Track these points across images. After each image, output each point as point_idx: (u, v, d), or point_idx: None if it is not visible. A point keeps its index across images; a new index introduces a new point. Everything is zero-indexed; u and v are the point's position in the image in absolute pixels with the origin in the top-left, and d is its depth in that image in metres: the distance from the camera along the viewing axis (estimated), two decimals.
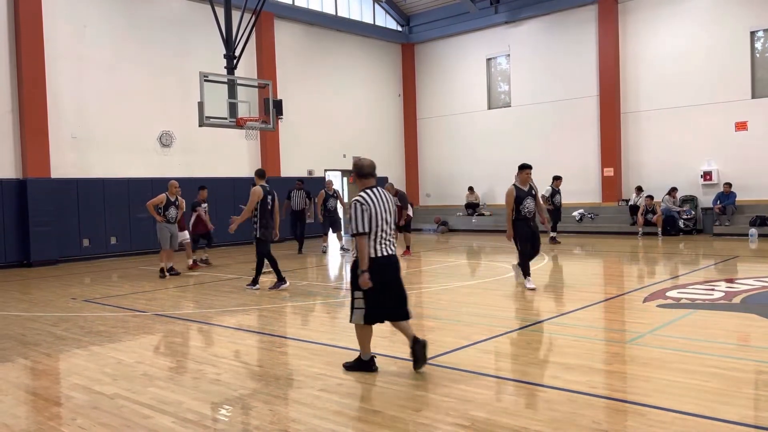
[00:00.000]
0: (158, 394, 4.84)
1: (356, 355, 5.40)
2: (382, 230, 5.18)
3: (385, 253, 5.21)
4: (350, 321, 5.30)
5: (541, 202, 11.00)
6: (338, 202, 15.94)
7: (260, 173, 9.96)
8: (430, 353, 5.29)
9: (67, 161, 15.49)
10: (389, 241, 5.26)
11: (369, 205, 5.12)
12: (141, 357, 6.03)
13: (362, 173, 5.29)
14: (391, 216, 5.28)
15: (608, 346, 6.00)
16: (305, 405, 4.49)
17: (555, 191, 16.64)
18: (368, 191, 5.23)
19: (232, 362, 5.84)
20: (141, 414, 4.42)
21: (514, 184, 9.17)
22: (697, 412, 4.06)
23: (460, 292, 9.26)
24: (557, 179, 16.72)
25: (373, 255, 5.15)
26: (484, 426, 3.95)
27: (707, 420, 3.93)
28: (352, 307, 5.25)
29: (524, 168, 9.46)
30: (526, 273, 9.08)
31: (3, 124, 14.65)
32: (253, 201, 9.58)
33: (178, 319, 7.92)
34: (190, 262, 12.85)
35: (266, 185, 9.83)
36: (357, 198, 5.17)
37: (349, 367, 5.35)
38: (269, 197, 9.77)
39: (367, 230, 5.10)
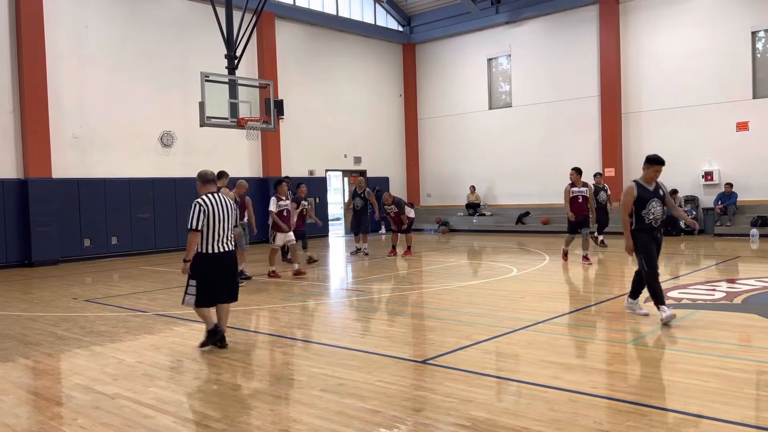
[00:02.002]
0: (159, 394, 4.85)
1: (357, 354, 5.42)
2: (217, 230, 6.06)
3: (219, 250, 6.10)
4: (182, 304, 6.21)
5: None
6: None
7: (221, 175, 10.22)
8: (431, 353, 5.30)
9: (69, 161, 15.50)
10: (226, 239, 6.15)
11: (206, 207, 6.01)
12: (142, 357, 6.03)
13: (205, 180, 6.23)
14: (229, 219, 6.17)
15: (609, 346, 6.00)
16: (306, 405, 4.49)
17: (598, 188, 15.14)
18: (208, 195, 6.12)
19: (233, 362, 5.84)
20: (142, 414, 4.42)
21: (635, 181, 7.04)
22: (699, 413, 4.05)
23: (461, 293, 9.26)
24: (598, 176, 15.37)
25: (209, 251, 6.05)
26: (485, 426, 3.95)
27: (708, 420, 3.93)
28: (185, 293, 6.11)
29: (654, 163, 6.96)
30: (659, 300, 6.69)
31: (4, 124, 14.67)
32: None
33: (179, 319, 7.92)
34: (296, 266, 11.62)
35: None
36: (197, 200, 6.06)
37: (203, 344, 6.21)
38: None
39: (199, 228, 5.97)
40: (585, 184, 12.23)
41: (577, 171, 12.19)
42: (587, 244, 12.22)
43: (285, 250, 12.41)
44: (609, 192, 15.28)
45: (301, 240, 12.87)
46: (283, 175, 17.90)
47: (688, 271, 10.92)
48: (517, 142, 21.70)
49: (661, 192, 6.99)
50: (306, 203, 13.07)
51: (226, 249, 6.15)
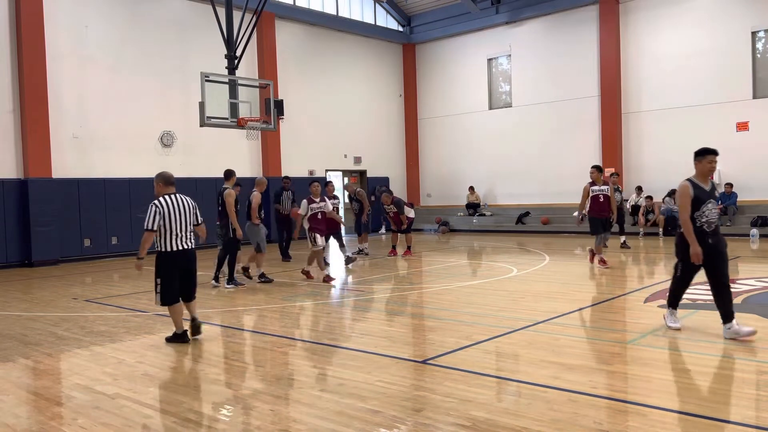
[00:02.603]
0: (159, 394, 4.85)
1: (357, 354, 5.43)
2: (176, 229, 6.36)
3: (179, 248, 6.40)
4: (155, 304, 6.51)
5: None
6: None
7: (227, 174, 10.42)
8: (431, 353, 5.30)
9: (69, 161, 15.51)
10: (186, 237, 6.45)
11: (162, 208, 6.31)
12: (142, 357, 6.03)
13: (166, 182, 6.50)
14: (187, 218, 6.46)
15: (609, 346, 6.00)
16: (306, 405, 4.49)
17: (614, 189, 14.89)
18: (166, 197, 6.40)
19: (232, 362, 5.84)
20: (142, 414, 4.42)
21: (690, 180, 6.25)
22: (699, 413, 4.05)
23: (461, 293, 9.25)
24: (614, 176, 14.75)
25: (169, 249, 6.37)
26: (485, 426, 3.95)
27: (708, 420, 3.93)
28: (155, 292, 6.46)
29: (707, 153, 6.25)
30: (672, 304, 6.44)
31: (4, 124, 14.67)
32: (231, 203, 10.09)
33: None
34: (325, 273, 11.00)
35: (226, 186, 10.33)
36: (154, 202, 6.33)
37: (169, 339, 6.55)
38: (220, 198, 10.35)
39: (154, 229, 6.28)
40: (606, 183, 11.51)
41: (598, 169, 11.54)
42: (601, 247, 11.51)
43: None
44: (623, 194, 14.79)
45: (338, 241, 12.52)
46: (283, 175, 17.88)
47: (605, 260, 11.02)
48: (517, 142, 21.70)
49: (716, 193, 6.31)
50: (337, 201, 12.83)
51: (186, 247, 6.47)
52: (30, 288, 11.36)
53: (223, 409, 4.56)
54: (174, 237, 6.37)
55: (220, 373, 5.40)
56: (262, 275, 10.70)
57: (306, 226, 10.77)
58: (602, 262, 11.27)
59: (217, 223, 10.41)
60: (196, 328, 6.61)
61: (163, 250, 6.39)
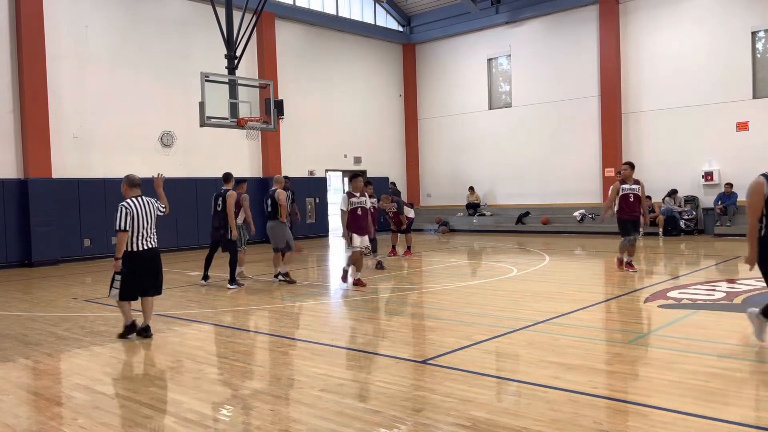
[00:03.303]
0: (159, 394, 4.85)
1: (357, 354, 5.43)
2: (141, 230, 6.64)
3: (142, 248, 6.69)
4: (108, 296, 6.77)
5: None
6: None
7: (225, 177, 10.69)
8: (431, 353, 5.29)
9: (69, 161, 15.51)
10: (150, 237, 6.75)
11: (131, 209, 6.57)
12: (142, 357, 6.03)
13: (132, 184, 6.77)
14: (152, 218, 6.75)
15: (609, 346, 6.00)
16: (306, 405, 4.49)
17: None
18: (134, 199, 6.67)
19: (232, 362, 5.84)
20: (142, 414, 4.42)
21: (765, 175, 5.59)
22: (699, 413, 4.05)
23: (461, 293, 9.25)
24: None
25: (133, 249, 6.62)
26: (485, 426, 3.95)
27: (708, 420, 3.93)
28: (111, 286, 6.67)
29: None
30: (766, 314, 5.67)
31: (4, 124, 14.67)
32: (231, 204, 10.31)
33: (179, 319, 7.92)
34: (357, 275, 10.17)
35: (221, 188, 10.57)
36: (123, 203, 6.59)
37: (121, 335, 6.77)
38: (219, 199, 10.51)
39: (126, 229, 6.53)
40: (637, 182, 10.69)
41: (631, 166, 10.70)
42: (633, 249, 10.76)
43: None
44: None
45: (371, 243, 11.70)
46: (283, 174, 17.83)
47: (688, 271, 10.92)
48: (517, 142, 21.70)
49: None
50: (374, 200, 12.42)
51: (149, 246, 6.76)
52: (30, 288, 11.36)
53: (223, 409, 4.56)
54: (140, 237, 6.66)
55: (220, 373, 5.41)
56: (286, 274, 10.59)
57: (343, 224, 10.03)
58: (622, 264, 10.75)
59: (215, 225, 10.55)
60: (145, 330, 6.82)
61: (129, 249, 6.64)
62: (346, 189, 10.14)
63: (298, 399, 4.66)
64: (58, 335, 7.12)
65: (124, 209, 6.56)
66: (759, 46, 17.45)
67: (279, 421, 4.21)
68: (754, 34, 17.39)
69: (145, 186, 6.97)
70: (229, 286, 10.26)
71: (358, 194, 10.02)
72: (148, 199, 6.81)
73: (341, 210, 9.95)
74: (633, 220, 10.51)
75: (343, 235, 10.07)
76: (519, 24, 21.71)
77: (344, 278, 10.45)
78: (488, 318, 7.34)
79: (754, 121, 17.32)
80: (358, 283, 9.96)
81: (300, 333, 7.13)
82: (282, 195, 10.54)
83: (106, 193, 15.95)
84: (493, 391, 4.75)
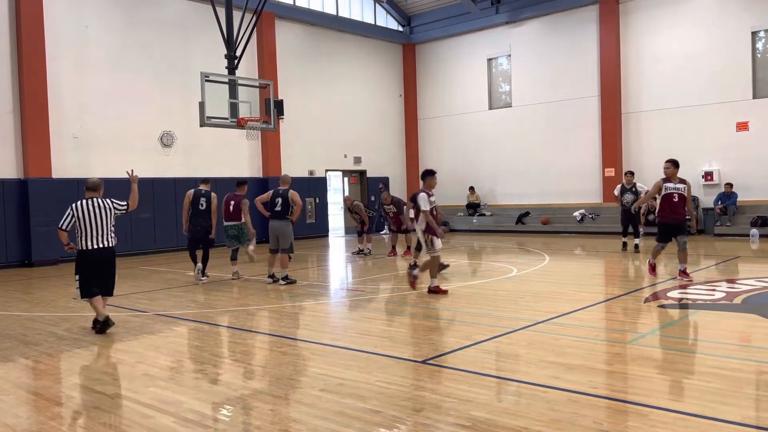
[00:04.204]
0: (159, 394, 4.85)
1: (357, 354, 5.44)
2: (88, 230, 6.97)
3: (93, 247, 7.00)
4: (74, 298, 7.30)
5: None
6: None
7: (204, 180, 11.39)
8: (431, 353, 5.29)
9: (69, 161, 15.51)
10: (101, 237, 7.01)
11: (75, 211, 7.02)
12: (142, 357, 6.03)
13: (86, 188, 7.21)
14: (103, 219, 7.03)
15: (609, 346, 6.00)
16: (306, 405, 4.49)
17: (624, 188, 13.88)
18: (82, 201, 7.07)
19: (232, 362, 5.84)
20: (142, 414, 4.42)
21: None
22: (699, 413, 4.05)
23: (461, 292, 9.25)
24: (629, 174, 14.18)
25: (83, 248, 6.99)
26: (485, 426, 3.95)
27: (708, 420, 3.93)
28: (76, 287, 7.12)
29: None
30: None
31: (4, 124, 14.67)
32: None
33: (179, 319, 7.92)
34: (433, 282, 9.15)
35: (200, 189, 11.11)
36: (72, 204, 7.07)
37: (98, 331, 7.05)
38: (201, 199, 11.03)
39: (64, 228, 7.03)
40: (682, 180, 9.59)
41: (674, 164, 9.58)
42: (685, 255, 9.59)
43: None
44: (640, 194, 13.49)
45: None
46: (282, 173, 17.83)
47: (688, 271, 10.91)
48: (517, 142, 21.70)
49: None
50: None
51: (98, 246, 7.02)
52: (30, 288, 11.36)
53: (223, 409, 4.56)
54: (88, 237, 6.99)
55: (220, 373, 5.40)
56: (286, 276, 10.55)
57: (420, 227, 9.02)
58: (654, 270, 9.94)
59: (196, 224, 10.97)
60: (102, 326, 7.08)
61: (80, 248, 7.03)
62: (420, 186, 9.23)
63: (298, 399, 4.66)
64: (58, 335, 7.12)
65: (68, 210, 7.06)
66: (759, 46, 17.45)
67: (279, 421, 4.21)
68: (754, 34, 17.38)
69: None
70: (201, 278, 11.09)
71: (431, 192, 9.11)
72: (102, 200, 7.13)
73: (423, 210, 8.91)
74: (675, 224, 9.51)
75: (425, 239, 9.06)
76: (519, 24, 21.71)
77: (414, 284, 9.37)
78: (488, 318, 7.34)
79: (754, 121, 17.32)
80: (437, 290, 8.93)
81: (300, 333, 7.13)
82: (297, 196, 10.51)
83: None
84: (493, 391, 4.75)
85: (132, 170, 7.69)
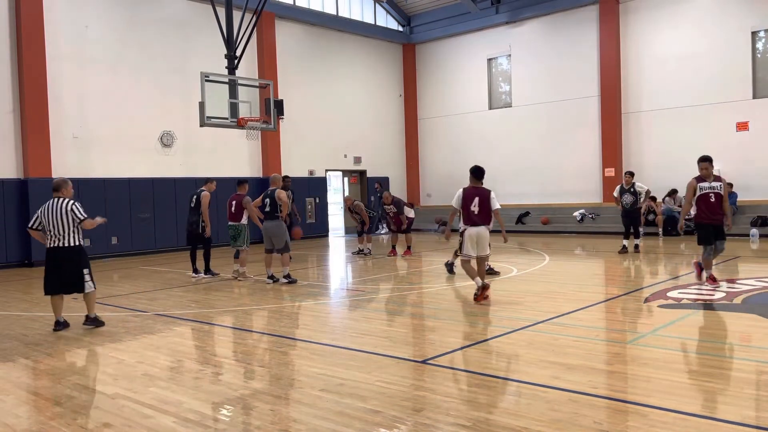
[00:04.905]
0: (159, 394, 4.84)
1: (357, 354, 5.44)
2: (49, 230, 7.16)
3: (51, 245, 7.20)
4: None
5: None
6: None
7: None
8: (431, 353, 5.29)
9: (69, 161, 15.50)
10: (59, 237, 7.15)
11: (40, 211, 7.24)
12: (142, 357, 6.03)
13: (52, 188, 7.36)
14: (59, 220, 7.12)
15: (609, 346, 6.00)
16: (306, 405, 4.49)
17: (624, 189, 13.51)
18: (51, 200, 7.24)
19: (232, 362, 5.84)
20: (142, 414, 4.42)
21: None
22: (699, 413, 4.05)
23: (461, 292, 9.25)
24: (628, 175, 13.74)
25: (47, 246, 7.22)
26: (485, 426, 3.95)
27: (708, 420, 3.93)
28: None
29: None
30: None
31: (4, 124, 14.67)
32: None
33: (179, 319, 7.92)
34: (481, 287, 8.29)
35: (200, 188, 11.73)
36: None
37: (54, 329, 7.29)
38: (193, 197, 11.65)
39: (33, 227, 7.28)
40: (718, 178, 8.97)
41: (709, 161, 8.97)
42: (710, 261, 8.95)
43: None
44: (640, 194, 13.41)
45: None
46: (283, 174, 17.80)
47: (688, 271, 10.91)
48: (517, 142, 21.70)
49: None
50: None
51: (56, 245, 7.18)
52: (30, 288, 11.35)
53: (223, 409, 4.56)
54: (49, 236, 7.20)
55: (220, 373, 5.40)
56: (288, 275, 10.57)
57: (461, 227, 8.48)
58: (712, 279, 8.89)
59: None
60: (57, 325, 7.34)
61: (46, 246, 7.28)
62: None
63: (298, 399, 4.66)
64: (58, 335, 7.12)
65: (38, 210, 7.31)
66: (759, 46, 17.45)
67: (279, 421, 4.21)
68: (754, 34, 17.38)
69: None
70: (203, 275, 11.50)
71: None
72: (61, 201, 7.21)
73: (497, 208, 8.55)
74: (715, 225, 8.84)
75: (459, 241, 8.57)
76: (519, 24, 21.71)
77: (481, 298, 8.22)
78: (488, 318, 7.34)
79: (754, 121, 17.31)
80: (483, 293, 8.22)
81: (300, 333, 7.14)
82: (282, 194, 10.61)
83: (106, 193, 15.96)
84: (493, 391, 4.75)
85: (105, 219, 7.87)
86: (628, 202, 13.38)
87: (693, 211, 9.08)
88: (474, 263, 8.47)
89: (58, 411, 4.62)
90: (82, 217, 7.25)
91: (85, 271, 7.35)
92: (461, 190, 8.52)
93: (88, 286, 7.37)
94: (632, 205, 13.36)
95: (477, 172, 8.64)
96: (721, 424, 3.85)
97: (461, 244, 8.50)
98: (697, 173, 9.02)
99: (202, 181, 17.37)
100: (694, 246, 15.04)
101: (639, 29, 19.23)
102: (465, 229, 8.51)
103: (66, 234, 7.18)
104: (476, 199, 8.45)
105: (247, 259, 11.47)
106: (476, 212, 8.47)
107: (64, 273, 7.22)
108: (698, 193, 8.91)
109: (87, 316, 7.49)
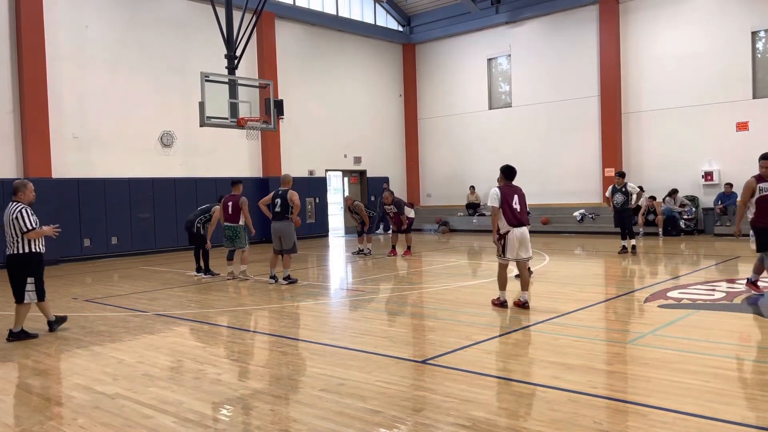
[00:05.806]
0: (159, 394, 4.85)
1: (357, 354, 5.45)
2: (4, 234, 6.91)
3: (6, 252, 6.95)
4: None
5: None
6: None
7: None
8: (431, 353, 5.30)
9: (69, 161, 15.50)
10: (10, 244, 6.87)
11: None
12: (142, 357, 6.03)
13: (12, 191, 7.11)
14: (8, 227, 6.84)
15: (609, 346, 6.00)
16: (306, 405, 4.49)
17: (615, 189, 13.33)
18: (7, 206, 7.01)
19: (232, 362, 5.84)
20: (142, 414, 4.42)
21: None
22: (698, 413, 4.05)
23: (461, 292, 9.26)
24: (620, 176, 13.53)
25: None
26: (485, 426, 3.95)
27: (708, 420, 3.93)
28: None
29: None
30: None
31: (4, 124, 14.66)
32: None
33: (179, 319, 7.92)
34: (524, 295, 7.90)
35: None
36: None
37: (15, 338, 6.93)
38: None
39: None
40: None
41: None
42: (764, 268, 8.07)
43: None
44: (631, 195, 13.22)
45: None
46: (283, 173, 17.78)
47: (688, 271, 10.92)
48: (517, 142, 21.68)
49: None
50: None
51: (9, 252, 6.91)
52: None
53: (223, 409, 4.56)
54: (6, 242, 6.97)
55: (220, 373, 5.40)
56: (288, 276, 10.60)
57: (503, 229, 7.86)
58: (754, 285, 8.18)
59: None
60: (10, 335, 6.96)
61: None
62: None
63: (298, 399, 4.66)
64: (57, 335, 7.12)
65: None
66: (759, 46, 17.44)
67: (279, 421, 4.21)
68: (754, 34, 17.38)
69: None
70: (203, 275, 11.63)
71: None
72: (15, 207, 6.88)
73: (496, 208, 7.89)
74: None
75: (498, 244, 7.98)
76: (519, 24, 21.71)
77: (518, 304, 7.81)
78: (488, 318, 7.34)
79: (754, 121, 17.31)
80: (517, 303, 7.83)
81: (300, 333, 7.14)
82: (295, 196, 10.53)
83: (106, 193, 15.96)
84: (493, 391, 4.75)
85: (55, 230, 7.18)
86: (618, 201, 13.27)
87: (750, 214, 8.19)
88: (511, 268, 7.96)
89: (58, 411, 4.62)
90: (25, 229, 6.78)
91: (29, 280, 6.90)
92: (497, 188, 7.86)
93: (28, 296, 6.89)
94: (623, 205, 13.24)
95: (508, 172, 8.11)
96: (721, 424, 3.85)
97: (503, 247, 7.83)
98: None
99: (202, 182, 17.51)
100: (694, 246, 15.07)
101: (639, 29, 19.23)
102: (508, 231, 7.84)
103: (15, 241, 6.86)
104: (515, 197, 7.97)
105: (248, 258, 11.49)
106: (518, 210, 7.94)
107: (12, 281, 6.96)
108: (758, 194, 8.01)
109: (11, 330, 6.99)
